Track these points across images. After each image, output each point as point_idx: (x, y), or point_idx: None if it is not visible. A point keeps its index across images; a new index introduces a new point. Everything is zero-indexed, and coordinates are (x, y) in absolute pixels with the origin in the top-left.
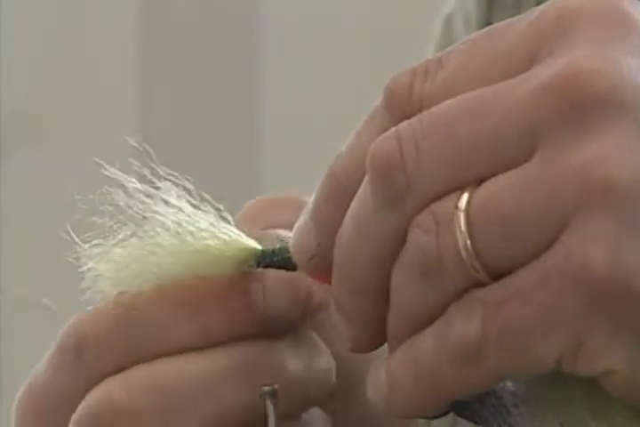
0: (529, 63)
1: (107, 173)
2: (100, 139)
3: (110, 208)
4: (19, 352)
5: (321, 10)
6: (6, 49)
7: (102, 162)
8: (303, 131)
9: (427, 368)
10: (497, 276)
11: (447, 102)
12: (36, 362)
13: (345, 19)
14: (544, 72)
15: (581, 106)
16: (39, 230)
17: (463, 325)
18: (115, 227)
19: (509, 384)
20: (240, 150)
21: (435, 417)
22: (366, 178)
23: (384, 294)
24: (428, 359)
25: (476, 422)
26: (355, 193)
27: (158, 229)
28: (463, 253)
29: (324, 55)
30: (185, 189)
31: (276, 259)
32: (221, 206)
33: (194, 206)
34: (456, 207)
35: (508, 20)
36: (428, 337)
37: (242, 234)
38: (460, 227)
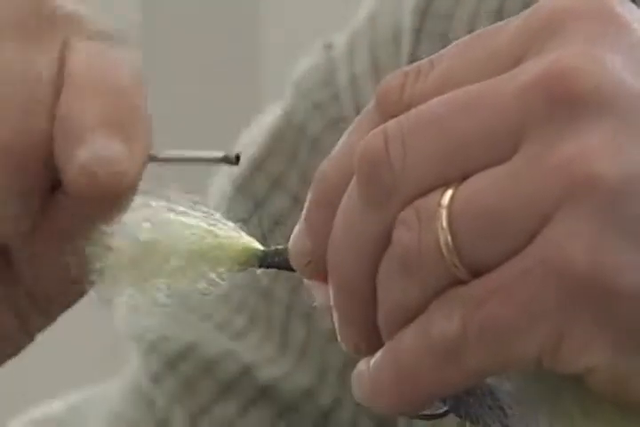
0: (517, 62)
1: None
2: None
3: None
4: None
5: (321, 10)
6: None
7: None
8: None
9: (407, 366)
10: (477, 273)
11: (434, 100)
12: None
13: (345, 19)
14: (530, 69)
15: (566, 103)
16: None
17: (443, 322)
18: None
19: (507, 385)
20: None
21: (432, 418)
22: (354, 177)
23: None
24: (409, 357)
25: (473, 423)
26: None
27: (159, 237)
28: (444, 249)
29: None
30: (184, 193)
31: (277, 259)
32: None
33: (193, 210)
34: (439, 204)
35: (499, 23)
36: (409, 335)
37: (243, 234)
38: (442, 224)
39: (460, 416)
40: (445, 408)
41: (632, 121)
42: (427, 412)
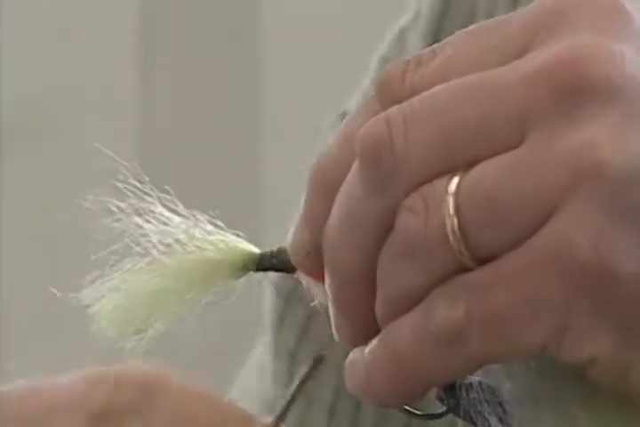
0: (523, 52)
1: (90, 206)
2: (100, 139)
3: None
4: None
5: (321, 10)
6: (7, 49)
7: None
8: (304, 131)
9: (405, 353)
10: (483, 261)
11: (438, 87)
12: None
13: (345, 19)
14: (537, 58)
15: (573, 92)
16: (40, 231)
17: (446, 310)
18: (109, 255)
19: (507, 384)
20: (241, 150)
21: (431, 417)
22: (355, 163)
23: (374, 285)
24: (408, 344)
25: (473, 423)
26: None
27: (153, 251)
28: (450, 236)
29: (324, 56)
30: (174, 201)
31: (274, 261)
32: (215, 211)
33: (184, 218)
34: (446, 191)
35: (506, 15)
36: (409, 321)
37: (239, 239)
38: (449, 210)
39: (460, 416)
40: (445, 408)
41: (639, 110)
42: (426, 411)
